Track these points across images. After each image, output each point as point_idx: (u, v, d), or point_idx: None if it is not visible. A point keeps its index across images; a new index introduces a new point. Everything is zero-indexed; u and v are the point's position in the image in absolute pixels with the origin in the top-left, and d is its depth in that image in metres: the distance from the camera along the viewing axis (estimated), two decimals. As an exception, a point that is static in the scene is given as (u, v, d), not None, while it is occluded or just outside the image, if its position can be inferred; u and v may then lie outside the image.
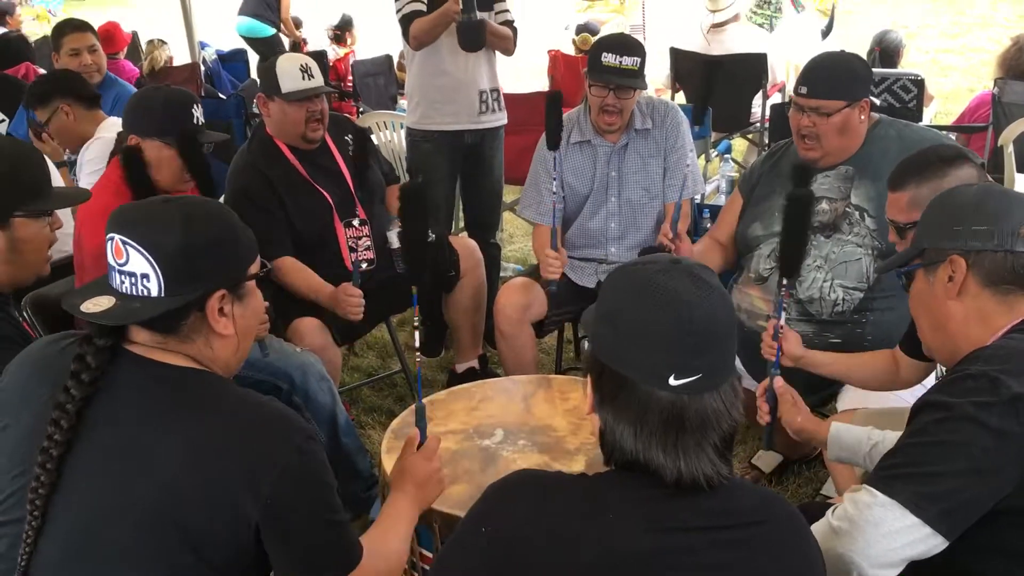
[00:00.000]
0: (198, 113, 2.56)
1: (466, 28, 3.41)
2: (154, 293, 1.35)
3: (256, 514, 1.30)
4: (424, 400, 2.16)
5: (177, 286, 1.35)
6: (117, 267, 1.37)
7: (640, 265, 1.21)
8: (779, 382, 2.01)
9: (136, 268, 1.35)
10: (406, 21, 3.47)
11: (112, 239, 1.37)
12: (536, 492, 1.20)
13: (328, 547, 1.40)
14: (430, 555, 1.93)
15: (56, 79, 3.45)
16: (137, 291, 1.36)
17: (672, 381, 1.11)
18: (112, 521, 1.29)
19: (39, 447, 1.30)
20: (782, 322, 2.13)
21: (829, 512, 1.48)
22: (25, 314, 2.29)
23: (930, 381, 2.11)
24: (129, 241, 1.35)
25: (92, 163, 3.17)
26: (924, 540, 1.37)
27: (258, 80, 3.10)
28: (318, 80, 2.99)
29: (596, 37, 6.39)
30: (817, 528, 1.43)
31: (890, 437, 1.74)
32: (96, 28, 4.27)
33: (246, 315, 1.46)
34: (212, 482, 1.29)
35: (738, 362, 2.57)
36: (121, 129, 2.65)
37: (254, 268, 1.47)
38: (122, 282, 1.37)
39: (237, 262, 1.44)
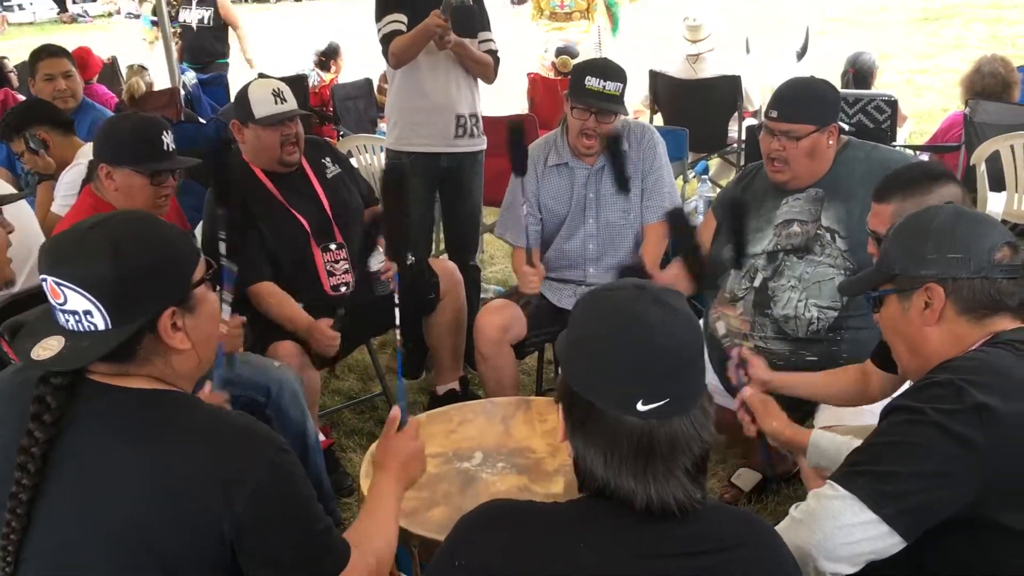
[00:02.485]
0: (168, 139, 2.56)
1: (458, 11, 3.42)
2: (101, 327, 1.31)
3: (232, 533, 1.28)
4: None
5: (123, 316, 1.31)
6: (58, 307, 1.33)
7: (607, 291, 1.23)
8: (746, 391, 2.04)
9: (77, 306, 1.31)
10: (386, 40, 3.50)
11: (46, 280, 1.32)
12: (510, 522, 1.20)
13: (313, 556, 1.38)
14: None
15: (29, 109, 3.46)
16: (84, 327, 1.32)
17: (640, 407, 1.12)
18: (86, 555, 1.27)
19: (8, 491, 1.27)
20: (746, 349, 2.23)
21: (792, 507, 1.51)
22: (4, 338, 2.28)
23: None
24: (62, 282, 1.30)
25: (67, 187, 3.18)
26: (882, 538, 1.39)
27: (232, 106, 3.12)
28: (291, 104, 3.00)
29: (575, 60, 6.46)
30: (781, 523, 1.46)
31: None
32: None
33: (200, 324, 1.41)
34: (184, 505, 1.27)
35: (715, 380, 2.61)
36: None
37: (199, 273, 1.42)
38: (67, 320, 1.33)
39: (179, 275, 1.39)
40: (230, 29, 7.06)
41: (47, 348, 1.32)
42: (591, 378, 1.17)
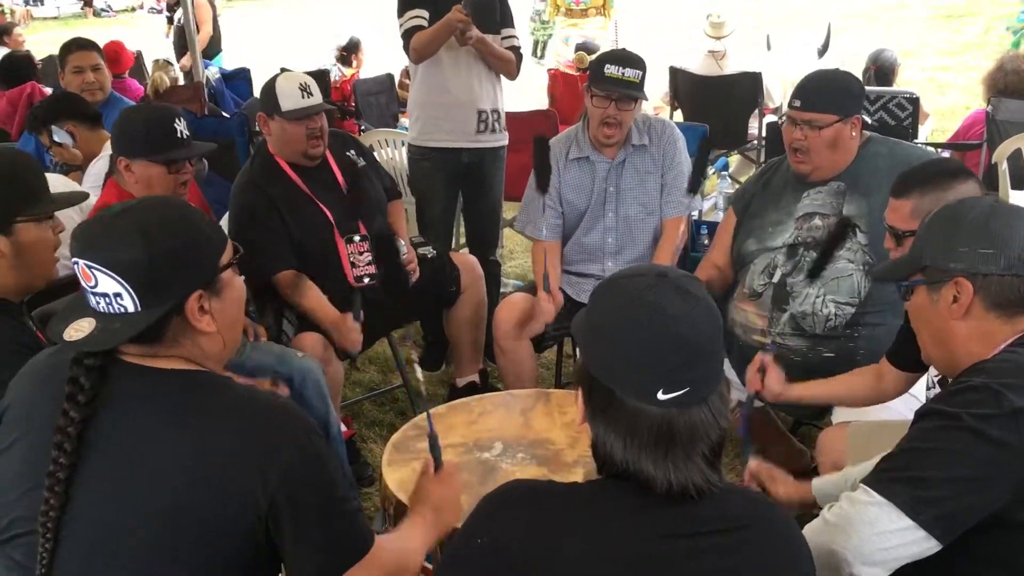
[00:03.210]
0: (181, 127, 2.58)
1: (479, 6, 3.42)
2: (130, 309, 1.35)
3: (266, 509, 1.32)
4: (423, 414, 2.18)
5: (151, 298, 1.35)
6: (89, 289, 1.37)
7: (627, 279, 1.24)
8: (753, 465, 1.97)
9: (107, 289, 1.35)
10: (407, 35, 3.52)
11: (78, 263, 1.36)
12: (530, 502, 1.22)
13: (340, 534, 1.41)
14: (430, 566, 1.96)
15: (57, 102, 3.50)
16: (114, 309, 1.36)
17: (661, 396, 1.14)
18: (124, 533, 1.31)
19: (47, 469, 1.31)
20: (769, 357, 2.24)
21: (825, 508, 1.51)
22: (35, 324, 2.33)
23: (916, 390, 2.16)
24: (94, 265, 1.35)
25: (93, 178, 3.22)
26: (918, 543, 1.39)
27: (259, 98, 3.15)
28: (317, 98, 3.03)
29: (592, 56, 6.48)
30: (811, 525, 1.47)
31: (861, 469, 1.76)
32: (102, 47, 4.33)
33: (227, 307, 1.45)
34: (222, 482, 1.31)
35: (732, 373, 2.62)
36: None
37: (226, 257, 1.45)
38: (98, 302, 1.37)
39: (206, 259, 1.42)
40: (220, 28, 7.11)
41: (79, 329, 1.36)
42: (611, 366, 1.18)
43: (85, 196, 2.22)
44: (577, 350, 3.76)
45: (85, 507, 1.32)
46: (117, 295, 1.34)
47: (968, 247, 1.51)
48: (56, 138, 3.37)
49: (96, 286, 1.36)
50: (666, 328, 1.15)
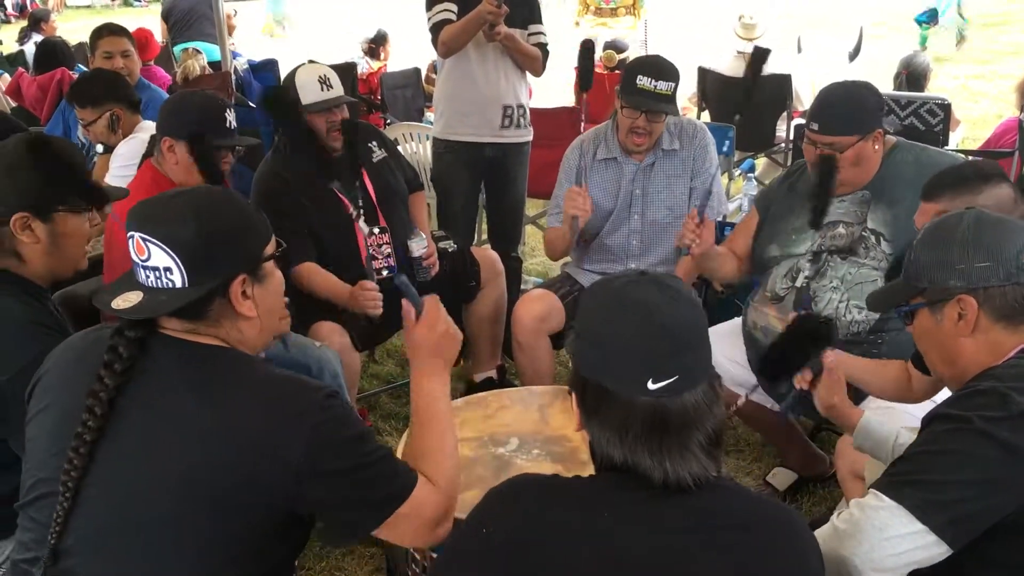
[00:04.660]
0: (231, 117, 2.64)
1: None
2: (178, 284, 1.42)
3: (292, 479, 1.34)
4: None
5: (199, 275, 1.42)
6: (141, 263, 1.44)
7: (608, 281, 1.29)
8: (830, 356, 1.95)
9: (159, 263, 1.42)
10: (436, 29, 3.52)
11: (132, 237, 1.43)
12: (536, 494, 1.24)
13: (378, 482, 1.43)
14: (433, 553, 1.95)
15: (108, 83, 3.46)
16: (162, 284, 1.43)
17: (651, 385, 1.17)
18: (145, 497, 1.34)
19: (75, 431, 1.36)
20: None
21: (834, 515, 1.50)
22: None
23: (940, 397, 2.12)
24: (149, 238, 1.41)
25: (123, 158, 3.22)
26: (928, 547, 1.38)
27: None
28: (337, 90, 3.03)
29: (621, 55, 6.44)
30: (821, 531, 1.45)
31: (909, 433, 1.75)
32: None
33: (267, 295, 1.52)
34: (243, 449, 1.34)
35: (746, 374, 2.60)
36: (155, 132, 2.71)
37: (270, 249, 1.53)
38: (147, 277, 1.44)
39: (253, 246, 1.50)
40: None
41: (127, 300, 1.43)
42: (600, 363, 1.22)
43: (125, 193, 2.25)
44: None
45: (106, 472, 1.37)
46: (167, 269, 1.42)
47: (964, 263, 1.51)
48: (113, 126, 3.36)
49: (148, 259, 1.43)
50: (650, 318, 1.19)
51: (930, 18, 10.96)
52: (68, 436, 1.37)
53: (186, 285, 1.42)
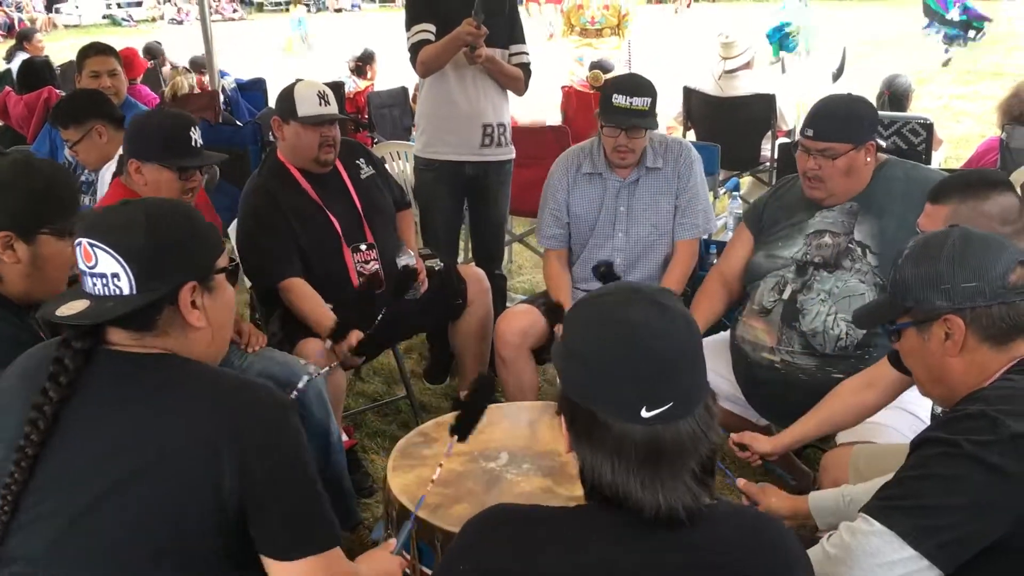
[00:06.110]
0: (196, 135, 2.62)
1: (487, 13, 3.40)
2: (126, 291, 1.39)
3: (235, 486, 1.32)
4: (430, 422, 2.24)
5: (148, 281, 1.39)
6: (88, 270, 1.41)
7: (597, 298, 1.21)
8: (740, 482, 1.99)
9: (106, 269, 1.38)
10: (415, 49, 3.53)
11: (80, 244, 1.40)
12: (514, 527, 1.19)
13: (309, 518, 1.40)
14: (428, 572, 1.94)
15: (90, 99, 3.48)
16: (109, 291, 1.39)
17: (644, 413, 1.11)
18: (88, 511, 1.31)
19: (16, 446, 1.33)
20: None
21: (824, 538, 1.49)
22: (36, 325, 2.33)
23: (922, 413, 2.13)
24: (96, 243, 1.38)
25: (107, 186, 3.22)
26: (921, 572, 1.38)
27: (275, 103, 3.17)
28: (334, 108, 3.05)
29: (608, 75, 6.48)
30: (812, 553, 1.44)
31: (861, 489, 1.74)
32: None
33: (218, 308, 1.49)
34: (186, 461, 1.31)
35: (735, 390, 2.60)
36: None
37: (222, 262, 1.51)
38: (94, 284, 1.40)
39: (204, 255, 1.48)
40: None
41: (72, 308, 1.39)
42: (590, 388, 1.14)
43: None
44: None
45: (47, 483, 1.34)
46: (115, 275, 1.38)
47: (950, 283, 1.50)
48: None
49: (96, 266, 1.39)
50: (641, 342, 1.12)
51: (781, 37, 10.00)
52: (10, 448, 1.34)
53: (134, 292, 1.38)
